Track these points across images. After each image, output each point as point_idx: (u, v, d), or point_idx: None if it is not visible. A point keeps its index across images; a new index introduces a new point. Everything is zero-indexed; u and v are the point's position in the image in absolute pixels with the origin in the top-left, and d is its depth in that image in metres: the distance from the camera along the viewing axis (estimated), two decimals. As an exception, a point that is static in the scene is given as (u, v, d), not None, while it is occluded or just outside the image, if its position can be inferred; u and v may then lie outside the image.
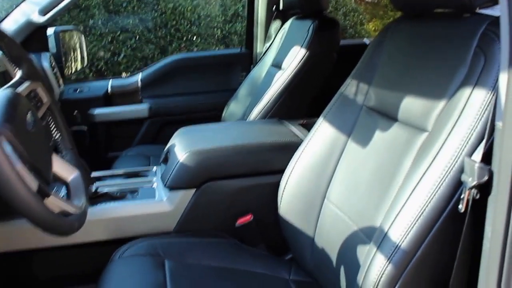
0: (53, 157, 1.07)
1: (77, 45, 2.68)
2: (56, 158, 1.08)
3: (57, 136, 1.17)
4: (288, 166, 1.40)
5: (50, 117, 1.16)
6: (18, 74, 1.09)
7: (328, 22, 2.02)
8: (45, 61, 2.22)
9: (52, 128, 1.17)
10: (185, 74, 2.67)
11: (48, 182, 0.98)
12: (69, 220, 0.91)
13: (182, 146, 1.54)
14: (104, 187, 1.56)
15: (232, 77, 2.75)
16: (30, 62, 1.11)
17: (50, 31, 2.39)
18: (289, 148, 1.45)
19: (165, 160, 1.66)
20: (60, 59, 2.42)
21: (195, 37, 5.47)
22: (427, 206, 0.91)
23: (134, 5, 5.22)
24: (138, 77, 2.68)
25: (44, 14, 2.11)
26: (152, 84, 2.66)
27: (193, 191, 1.47)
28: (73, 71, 2.62)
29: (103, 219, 1.42)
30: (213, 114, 2.54)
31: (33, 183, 0.81)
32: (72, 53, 2.61)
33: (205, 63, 2.78)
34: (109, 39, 5.15)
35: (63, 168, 1.09)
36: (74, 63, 2.65)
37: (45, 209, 0.81)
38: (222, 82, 2.75)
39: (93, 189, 1.48)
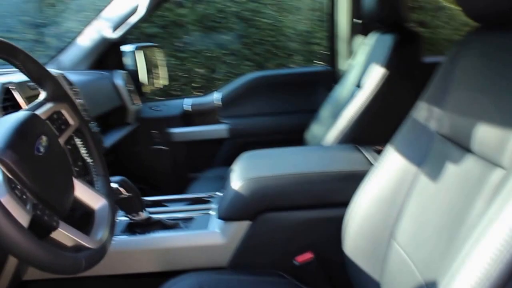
0: (78, 183, 0.98)
1: (158, 63, 2.68)
2: (82, 184, 0.99)
3: (88, 161, 1.09)
4: (353, 198, 1.22)
5: (80, 140, 1.09)
6: (42, 95, 1.02)
7: (410, 36, 1.80)
8: (118, 79, 2.21)
9: (82, 152, 1.09)
10: (266, 92, 2.53)
11: (62, 211, 0.89)
12: (74, 258, 0.82)
13: (239, 173, 1.41)
14: (159, 213, 1.47)
15: (316, 96, 2.57)
16: (54, 82, 1.03)
17: (128, 48, 2.39)
18: (356, 178, 1.25)
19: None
20: (138, 77, 2.42)
21: (293, 54, 5.36)
22: (498, 263, 0.69)
23: (231, 21, 5.22)
24: (217, 95, 2.60)
25: (115, 30, 2.10)
26: (231, 103, 2.55)
27: (248, 223, 1.33)
28: (152, 89, 2.61)
29: (151, 249, 1.34)
30: (295, 136, 2.34)
31: (24, 215, 0.74)
32: (152, 71, 2.60)
33: (286, 81, 2.61)
34: (205, 56, 5.20)
35: (89, 196, 1.00)
36: (154, 80, 2.64)
37: (35, 246, 0.73)
38: (305, 101, 2.56)
39: (145, 215, 1.40)
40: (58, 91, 1.03)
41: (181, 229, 1.38)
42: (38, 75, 1.00)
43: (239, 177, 1.38)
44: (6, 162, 0.77)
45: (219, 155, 2.52)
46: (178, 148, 2.51)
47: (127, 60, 2.39)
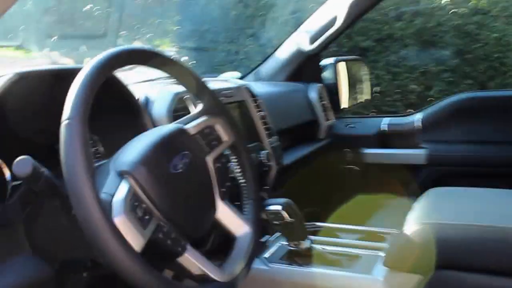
0: (222, 205, 0.92)
1: (360, 77, 2.53)
2: (227, 207, 0.92)
3: (240, 181, 1.01)
4: None
5: (235, 158, 1.00)
6: (198, 107, 0.96)
7: None
8: (313, 92, 2.13)
9: (235, 172, 1.01)
10: (474, 117, 2.18)
11: (193, 234, 0.82)
12: None
13: (420, 213, 1.19)
14: (324, 245, 1.33)
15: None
16: (211, 95, 0.96)
17: (328, 61, 2.31)
18: None
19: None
20: (336, 91, 2.31)
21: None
22: None
23: (452, 35, 4.79)
24: (418, 116, 2.33)
25: (313, 43, 2.02)
26: (433, 126, 2.25)
27: (419, 277, 1.10)
28: (352, 104, 2.48)
29: (305, 283, 1.21)
30: (504, 172, 1.99)
31: (139, 238, 0.69)
32: (354, 85, 2.47)
33: (503, 105, 2.22)
34: (421, 72, 4.86)
35: (233, 220, 0.92)
36: (355, 95, 2.50)
37: (143, 273, 0.66)
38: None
39: (307, 245, 1.28)
40: (214, 105, 0.96)
41: (342, 268, 1.22)
42: (194, 87, 0.95)
43: (418, 218, 1.16)
44: (136, 178, 0.73)
45: (413, 183, 2.26)
46: (370, 171, 2.32)
47: (326, 74, 2.32)
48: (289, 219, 1.22)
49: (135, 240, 0.68)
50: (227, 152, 1.01)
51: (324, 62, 2.31)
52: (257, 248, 0.93)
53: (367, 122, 2.39)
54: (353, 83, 2.46)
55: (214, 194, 0.90)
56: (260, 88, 1.80)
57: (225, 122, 0.97)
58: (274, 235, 1.45)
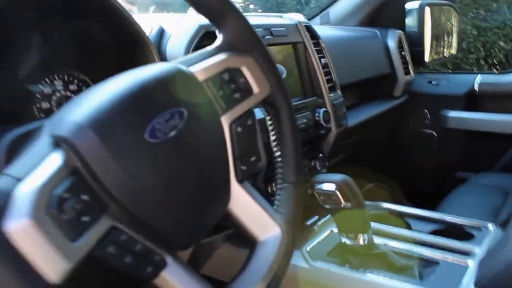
0: (242, 192, 0.60)
1: (449, 27, 2.11)
2: (247, 193, 0.61)
3: (275, 155, 0.69)
4: None
5: (270, 119, 0.68)
6: (218, 40, 0.64)
7: None
8: (391, 40, 1.75)
9: (270, 139, 0.69)
10: None
11: (184, 242, 0.53)
12: None
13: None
14: (391, 240, 1.01)
15: None
16: (239, 20, 0.64)
17: (413, 4, 1.90)
18: None
19: (504, 224, 0.98)
20: (420, 41, 1.90)
21: None
22: None
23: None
24: (520, 75, 1.88)
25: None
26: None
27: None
28: (436, 58, 2.07)
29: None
30: None
31: (58, 259, 0.40)
32: (440, 36, 2.05)
33: None
34: (513, 28, 4.25)
35: (256, 216, 0.61)
36: (441, 48, 2.08)
37: None
38: None
39: (366, 240, 0.96)
40: (243, 36, 0.64)
41: (414, 279, 0.89)
42: (214, 8, 0.62)
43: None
44: (77, 148, 0.43)
45: (506, 157, 1.85)
46: (452, 138, 1.93)
47: (409, 20, 1.93)
48: (345, 203, 0.91)
49: (53, 264, 0.40)
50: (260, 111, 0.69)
51: (409, 5, 1.93)
52: (287, 263, 0.62)
53: (453, 79, 1.98)
54: (439, 34, 2.07)
55: (229, 174, 0.59)
56: (324, 31, 1.46)
57: (258, 64, 0.64)
58: (325, 217, 1.15)
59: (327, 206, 0.94)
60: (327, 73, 1.26)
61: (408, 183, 1.91)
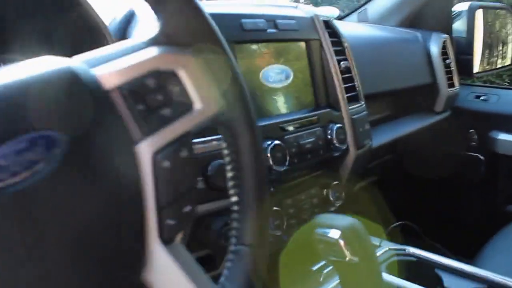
0: (164, 255, 0.39)
1: (504, 34, 1.82)
2: (173, 260, 0.39)
3: (232, 194, 0.44)
4: None
5: (227, 151, 0.45)
6: (154, 28, 0.41)
7: None
8: (435, 45, 1.49)
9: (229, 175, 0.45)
10: None
11: None
12: None
13: None
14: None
15: None
16: (186, 2, 0.41)
17: (463, 6, 1.64)
18: None
19: None
20: (469, 48, 1.63)
21: None
22: None
23: None
24: None
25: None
26: None
27: None
28: (487, 70, 1.79)
29: None
30: None
31: None
32: (493, 43, 1.77)
33: None
34: None
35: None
36: (494, 58, 1.80)
37: None
38: None
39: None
40: (189, 26, 0.41)
41: None
42: None
43: None
44: None
45: None
46: (502, 165, 1.64)
47: (457, 23, 1.68)
48: (351, 257, 0.67)
49: None
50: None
51: (458, 7, 1.67)
52: None
53: (506, 96, 1.68)
54: (493, 41, 1.79)
55: (146, 232, 0.36)
56: (353, 28, 1.21)
57: (206, 66, 0.41)
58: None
59: (331, 259, 0.70)
60: (348, 80, 1.02)
61: (445, 219, 1.63)
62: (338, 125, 0.93)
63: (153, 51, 0.39)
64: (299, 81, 0.94)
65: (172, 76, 0.39)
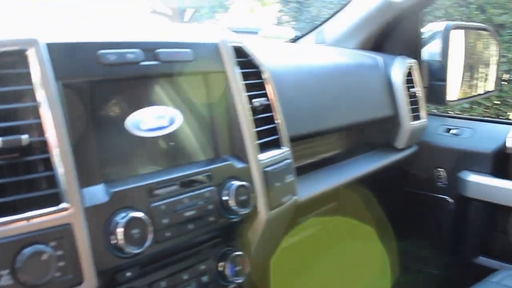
0: None
1: (483, 56, 1.63)
2: None
3: None
4: None
5: None
6: None
7: None
8: (397, 71, 1.31)
9: None
10: None
11: None
12: None
13: None
14: None
15: None
16: None
17: (436, 26, 1.47)
18: None
19: None
20: (443, 74, 1.45)
21: None
22: None
23: None
24: None
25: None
26: None
27: None
28: (464, 97, 1.59)
29: None
30: None
31: None
32: (470, 67, 1.57)
33: None
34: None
35: None
36: (474, 82, 1.60)
37: None
38: None
39: None
40: None
41: None
42: None
43: None
44: None
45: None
46: (472, 210, 1.43)
47: (430, 45, 1.50)
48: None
49: None
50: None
51: (430, 27, 1.49)
52: None
53: (481, 129, 1.47)
54: (472, 64, 1.62)
55: None
56: (300, 52, 1.03)
57: None
58: None
59: None
60: (265, 120, 0.82)
61: (410, 266, 1.43)
62: (240, 183, 0.73)
63: None
64: (192, 126, 0.74)
65: None
